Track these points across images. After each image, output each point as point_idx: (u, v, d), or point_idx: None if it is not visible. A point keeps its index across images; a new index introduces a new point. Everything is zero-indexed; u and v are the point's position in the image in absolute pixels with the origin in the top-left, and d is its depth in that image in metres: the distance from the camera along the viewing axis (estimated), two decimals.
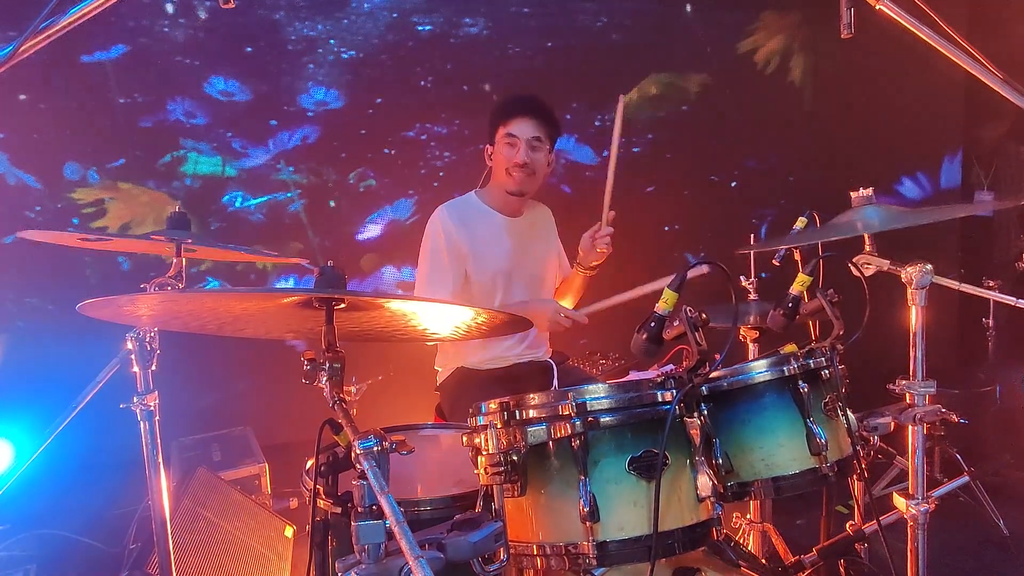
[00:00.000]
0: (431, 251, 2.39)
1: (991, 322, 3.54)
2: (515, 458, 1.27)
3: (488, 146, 2.45)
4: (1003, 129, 4.48)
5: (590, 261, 2.49)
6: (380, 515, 1.03)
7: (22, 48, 1.08)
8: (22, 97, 3.65)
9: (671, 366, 1.61)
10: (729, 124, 4.62)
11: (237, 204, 4.05)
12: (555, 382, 2.46)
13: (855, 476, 1.60)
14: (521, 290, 2.47)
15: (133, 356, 1.79)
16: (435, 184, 4.23)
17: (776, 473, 1.47)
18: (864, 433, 1.66)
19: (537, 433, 1.27)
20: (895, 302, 1.81)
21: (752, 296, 2.62)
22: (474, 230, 2.39)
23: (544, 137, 2.37)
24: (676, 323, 1.45)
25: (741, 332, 2.44)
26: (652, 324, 1.49)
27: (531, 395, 1.33)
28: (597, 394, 1.31)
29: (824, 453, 1.46)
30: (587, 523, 1.24)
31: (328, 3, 4.03)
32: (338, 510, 1.32)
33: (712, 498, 1.32)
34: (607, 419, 1.28)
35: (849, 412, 1.56)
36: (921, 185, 4.94)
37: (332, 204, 4.17)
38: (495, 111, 2.43)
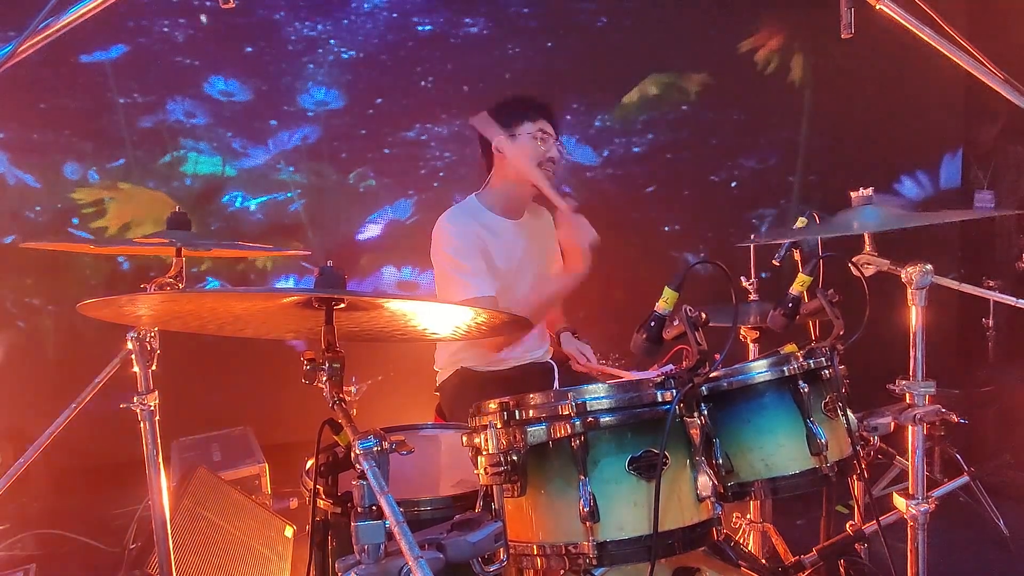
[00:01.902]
0: (461, 256, 2.29)
1: (991, 322, 3.54)
2: (515, 458, 1.27)
3: (496, 146, 2.37)
4: (1001, 128, 4.47)
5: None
6: (380, 515, 1.03)
7: (21, 48, 1.08)
8: (22, 97, 3.65)
9: (671, 366, 1.60)
10: (729, 124, 4.62)
11: (237, 204, 4.05)
12: (556, 383, 2.45)
13: (855, 476, 1.60)
14: (527, 281, 2.46)
15: (133, 356, 1.79)
16: (435, 184, 4.23)
17: (776, 473, 1.47)
18: (864, 433, 1.66)
19: (537, 433, 1.27)
20: (895, 302, 1.80)
21: (752, 296, 2.62)
22: (488, 232, 2.36)
23: (556, 138, 2.45)
24: (676, 323, 1.45)
25: (741, 332, 2.44)
26: (652, 324, 1.49)
27: (531, 395, 1.32)
28: (597, 394, 1.30)
29: (824, 453, 1.46)
30: (587, 523, 1.24)
31: (328, 3, 4.03)
32: (338, 510, 1.32)
33: (712, 498, 1.32)
34: (607, 419, 1.28)
35: (849, 412, 1.56)
36: (921, 184, 4.94)
37: (332, 206, 4.17)
38: (516, 108, 2.39)
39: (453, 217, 2.38)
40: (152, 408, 1.82)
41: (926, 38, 1.33)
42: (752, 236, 2.60)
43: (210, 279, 4.03)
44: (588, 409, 1.28)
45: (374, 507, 1.05)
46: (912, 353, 1.80)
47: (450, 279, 2.33)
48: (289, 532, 2.74)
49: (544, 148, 2.38)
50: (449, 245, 2.32)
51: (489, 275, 2.29)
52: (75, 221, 3.82)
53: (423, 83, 4.19)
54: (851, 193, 1.94)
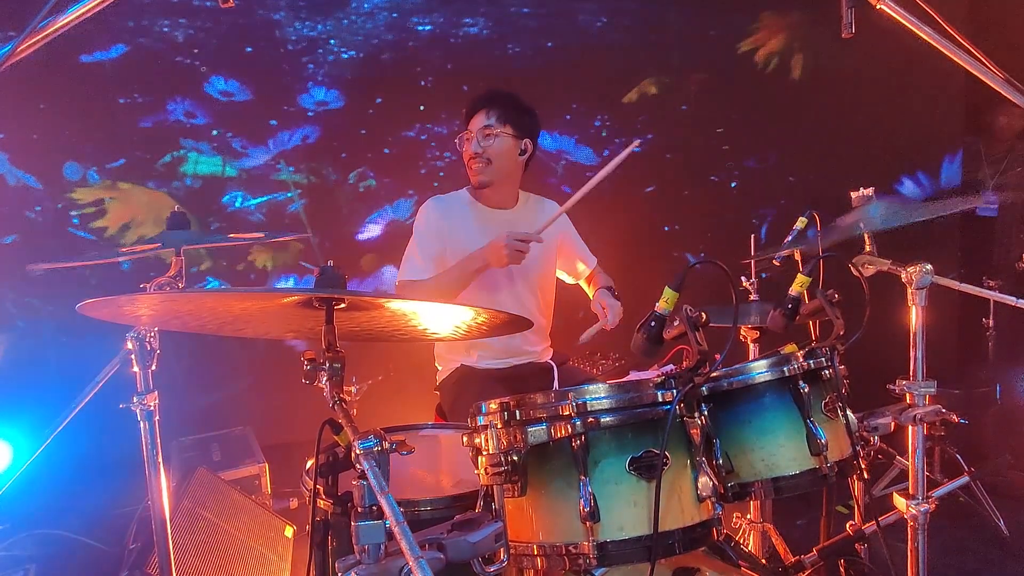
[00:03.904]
0: (413, 239, 2.51)
1: (991, 322, 3.54)
2: (515, 458, 1.27)
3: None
4: (1005, 127, 4.46)
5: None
6: (380, 515, 1.03)
7: (21, 47, 1.08)
8: (22, 97, 3.65)
9: (671, 366, 1.60)
10: (729, 124, 4.62)
11: (237, 204, 4.05)
12: (555, 382, 2.46)
13: (855, 476, 1.60)
14: (505, 279, 2.48)
15: (133, 356, 1.79)
16: (435, 184, 4.22)
17: (776, 473, 1.47)
18: (864, 433, 1.66)
19: (537, 433, 1.27)
20: (895, 302, 1.81)
21: (752, 296, 2.62)
22: (454, 222, 2.46)
23: (500, 122, 2.42)
24: (676, 323, 1.45)
25: (741, 332, 2.44)
26: (652, 324, 1.49)
27: (531, 395, 1.32)
28: (597, 394, 1.30)
29: (824, 453, 1.46)
30: (587, 523, 1.24)
31: (328, 3, 4.02)
32: (338, 510, 1.32)
33: (712, 498, 1.32)
34: (607, 419, 1.28)
35: (849, 412, 1.56)
36: (921, 185, 4.94)
37: (332, 206, 4.17)
38: (464, 114, 2.51)
39: (433, 202, 2.51)
40: (152, 408, 1.82)
41: (926, 38, 1.33)
42: (753, 246, 2.59)
43: (210, 279, 4.03)
44: (588, 409, 1.28)
45: (374, 507, 1.05)
46: (912, 353, 1.80)
47: (405, 254, 2.51)
48: (289, 532, 2.73)
49: (465, 148, 2.45)
50: (417, 225, 2.50)
51: (431, 263, 2.42)
52: (75, 221, 3.82)
53: (423, 83, 4.19)
54: (851, 193, 1.94)
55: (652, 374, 1.70)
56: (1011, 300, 2.08)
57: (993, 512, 2.89)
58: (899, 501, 1.85)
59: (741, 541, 2.21)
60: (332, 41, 4.05)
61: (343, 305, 1.29)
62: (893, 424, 1.72)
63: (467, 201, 2.53)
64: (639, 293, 2.41)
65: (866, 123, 4.65)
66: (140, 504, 2.70)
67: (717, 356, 1.35)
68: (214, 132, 3.97)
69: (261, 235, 2.57)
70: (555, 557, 1.28)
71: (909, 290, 1.79)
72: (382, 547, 1.03)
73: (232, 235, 2.04)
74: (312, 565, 1.39)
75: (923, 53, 1.44)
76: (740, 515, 2.32)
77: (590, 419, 1.27)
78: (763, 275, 2.67)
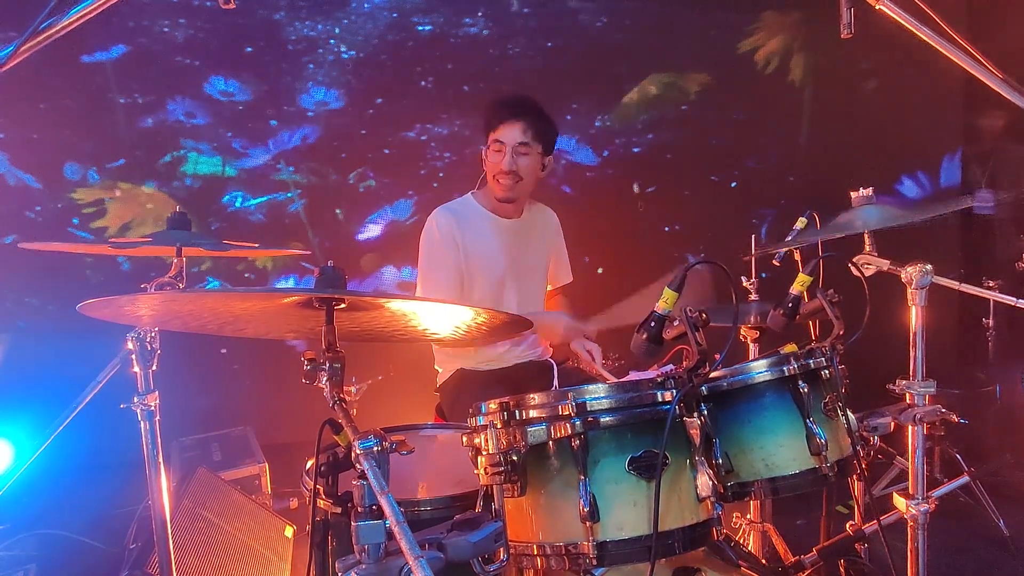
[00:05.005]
0: (429, 254, 2.40)
1: (991, 322, 3.54)
2: (515, 458, 1.27)
3: (483, 148, 2.44)
4: (1001, 127, 4.47)
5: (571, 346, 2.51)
6: (380, 515, 1.03)
7: (22, 48, 1.08)
8: (22, 97, 3.65)
9: (671, 366, 1.61)
10: (729, 124, 4.62)
11: (237, 204, 4.05)
12: (555, 382, 2.46)
13: (855, 476, 1.60)
14: (513, 291, 2.47)
15: (133, 356, 1.79)
16: (435, 184, 4.23)
17: (776, 473, 1.47)
18: (864, 433, 1.66)
19: (537, 433, 1.27)
20: (895, 302, 1.81)
21: (752, 296, 2.61)
22: (470, 232, 2.41)
23: (533, 140, 2.35)
24: (676, 323, 1.45)
25: (741, 332, 2.44)
26: (652, 324, 1.49)
27: (531, 395, 1.32)
28: (597, 394, 1.30)
29: (824, 453, 1.46)
30: (587, 523, 1.24)
31: (328, 3, 4.03)
32: (338, 510, 1.32)
33: (712, 498, 1.32)
34: (607, 419, 1.28)
35: (849, 412, 1.56)
36: (921, 184, 4.94)
37: (332, 206, 4.17)
38: (485, 115, 2.42)
39: (443, 212, 2.42)
40: (152, 408, 1.81)
41: (926, 38, 1.33)
42: (753, 245, 2.59)
43: (210, 279, 4.03)
44: (588, 409, 1.28)
45: (374, 507, 1.05)
46: (912, 353, 1.80)
47: (420, 275, 2.44)
48: (289, 532, 2.73)
49: (497, 160, 2.34)
50: (429, 243, 2.40)
51: (453, 276, 2.36)
52: (75, 221, 3.82)
53: (423, 83, 4.19)
54: (851, 193, 1.94)
55: (652, 374, 1.70)
56: (1011, 300, 2.08)
57: (993, 512, 2.89)
58: (899, 501, 1.85)
59: (741, 541, 2.21)
60: (332, 41, 4.05)
61: (343, 305, 1.30)
62: (893, 424, 1.72)
63: (479, 210, 2.46)
64: (639, 293, 2.42)
65: (866, 123, 4.66)
66: (140, 504, 2.70)
67: (717, 356, 1.35)
68: (214, 132, 3.97)
69: (255, 245, 2.55)
70: (555, 557, 1.28)
71: (909, 290, 1.79)
72: (382, 547, 1.03)
73: (227, 241, 2.04)
74: (312, 565, 1.39)
75: (922, 53, 1.44)
76: (740, 515, 2.32)
77: (590, 419, 1.27)
78: (763, 275, 2.66)
